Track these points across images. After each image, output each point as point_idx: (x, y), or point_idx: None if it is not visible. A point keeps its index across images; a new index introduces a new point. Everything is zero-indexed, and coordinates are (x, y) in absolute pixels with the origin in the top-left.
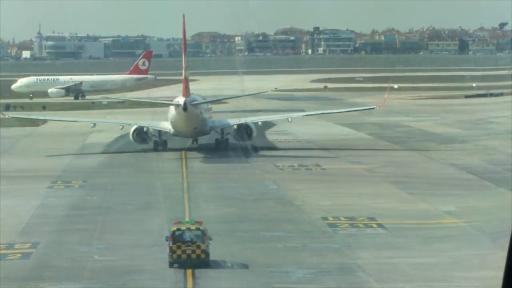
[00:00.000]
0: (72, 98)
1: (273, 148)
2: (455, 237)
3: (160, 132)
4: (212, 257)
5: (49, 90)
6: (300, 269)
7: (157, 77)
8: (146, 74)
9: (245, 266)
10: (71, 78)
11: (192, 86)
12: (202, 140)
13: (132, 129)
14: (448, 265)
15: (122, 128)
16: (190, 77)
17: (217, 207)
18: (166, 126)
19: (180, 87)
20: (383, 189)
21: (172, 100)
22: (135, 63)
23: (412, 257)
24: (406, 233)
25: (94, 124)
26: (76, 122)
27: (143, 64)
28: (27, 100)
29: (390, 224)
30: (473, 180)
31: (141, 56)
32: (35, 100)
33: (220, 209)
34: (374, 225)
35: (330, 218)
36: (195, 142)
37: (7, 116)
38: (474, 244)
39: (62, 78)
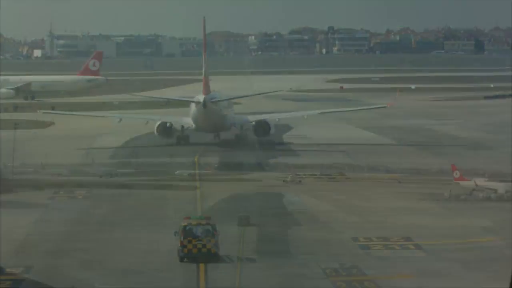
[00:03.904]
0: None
1: (292, 154)
2: (495, 261)
3: (182, 127)
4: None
5: None
6: None
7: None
8: (97, 75)
9: None
10: (21, 79)
11: (201, 87)
12: (225, 135)
13: (156, 124)
14: None
15: (146, 124)
16: (200, 77)
17: (234, 223)
18: (188, 121)
19: (193, 86)
20: (415, 202)
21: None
22: (85, 64)
23: None
24: (445, 255)
25: (120, 119)
26: (84, 125)
27: (94, 65)
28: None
29: (427, 245)
30: None
31: (91, 57)
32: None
33: (237, 226)
34: (411, 247)
35: (361, 239)
36: (217, 137)
37: (37, 111)
38: None
39: (12, 78)
